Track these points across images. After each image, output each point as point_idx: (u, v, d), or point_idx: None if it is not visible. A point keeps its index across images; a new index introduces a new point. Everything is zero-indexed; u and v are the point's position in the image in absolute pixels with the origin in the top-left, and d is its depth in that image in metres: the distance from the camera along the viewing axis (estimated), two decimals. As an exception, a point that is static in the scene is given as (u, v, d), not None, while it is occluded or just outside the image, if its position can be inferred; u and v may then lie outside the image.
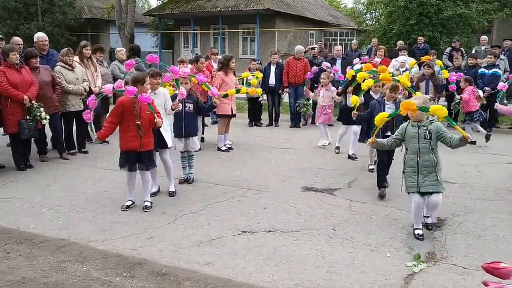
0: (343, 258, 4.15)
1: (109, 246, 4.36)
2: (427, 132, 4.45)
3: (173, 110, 5.77)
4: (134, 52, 10.28)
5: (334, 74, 9.26)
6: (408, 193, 4.61)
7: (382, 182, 5.76)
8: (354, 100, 6.02)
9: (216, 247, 4.36)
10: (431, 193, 4.49)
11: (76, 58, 8.25)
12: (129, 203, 5.42)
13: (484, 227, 4.85)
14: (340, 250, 4.31)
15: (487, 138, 8.73)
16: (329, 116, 8.71)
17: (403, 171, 4.65)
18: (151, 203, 5.42)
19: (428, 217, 4.79)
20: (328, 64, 10.57)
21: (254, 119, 11.21)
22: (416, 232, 4.58)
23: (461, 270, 3.93)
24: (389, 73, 6.70)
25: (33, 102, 6.77)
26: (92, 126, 5.81)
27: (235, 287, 3.62)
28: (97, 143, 8.63)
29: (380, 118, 4.53)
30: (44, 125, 7.01)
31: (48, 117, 6.93)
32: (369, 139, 4.80)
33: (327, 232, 4.72)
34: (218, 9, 23.43)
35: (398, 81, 6.01)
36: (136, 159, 5.29)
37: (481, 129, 8.93)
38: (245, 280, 3.75)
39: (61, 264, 3.99)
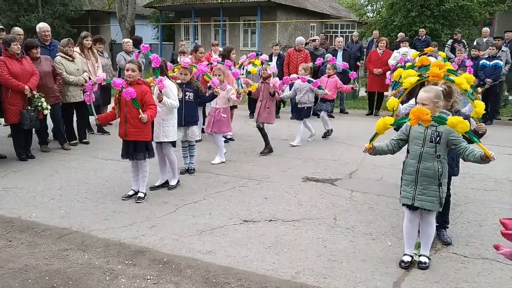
0: (344, 247, 4.17)
1: (110, 235, 4.38)
2: (435, 134, 3.62)
3: (160, 101, 5.41)
4: (136, 43, 10.28)
5: (336, 64, 9.27)
6: (402, 204, 3.88)
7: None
8: (391, 103, 4.20)
9: (218, 236, 4.37)
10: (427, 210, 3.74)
11: (76, 49, 8.25)
12: (131, 192, 5.43)
13: (484, 216, 4.86)
14: (342, 239, 4.32)
15: (326, 134, 8.76)
16: (224, 122, 6.96)
17: (401, 178, 3.92)
18: (145, 194, 5.39)
19: (422, 255, 3.86)
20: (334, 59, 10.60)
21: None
22: (402, 258, 3.86)
23: (462, 259, 3.94)
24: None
25: (34, 92, 6.77)
26: (93, 108, 5.78)
27: (236, 275, 3.64)
28: (97, 132, 8.65)
29: (383, 124, 3.61)
30: (46, 115, 7.01)
31: (49, 107, 6.93)
32: (365, 145, 3.84)
33: (328, 222, 4.73)
34: (219, 1, 23.31)
35: (453, 81, 4.04)
36: (125, 147, 5.28)
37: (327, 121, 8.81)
38: (246, 268, 3.76)
39: (63, 252, 4.01)
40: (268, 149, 7.59)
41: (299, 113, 8.41)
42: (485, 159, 3.42)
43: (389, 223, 4.70)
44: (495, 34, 14.88)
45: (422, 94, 3.65)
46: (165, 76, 5.61)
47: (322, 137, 8.76)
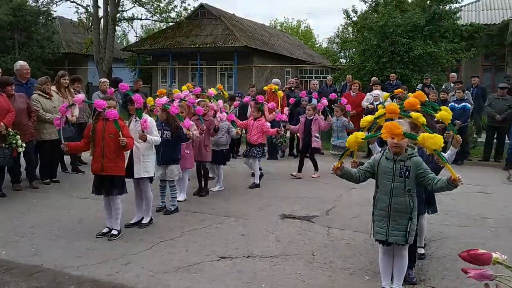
0: (322, 282, 4.15)
1: (84, 272, 4.26)
2: (404, 169, 3.65)
3: (144, 141, 5.48)
4: (115, 84, 10.33)
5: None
6: (375, 240, 3.89)
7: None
8: (352, 141, 3.76)
9: (195, 272, 4.30)
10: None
11: (53, 87, 8.26)
12: (105, 230, 5.32)
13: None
14: (320, 274, 4.31)
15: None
16: (187, 158, 6.83)
17: (373, 213, 3.90)
18: (119, 231, 5.29)
19: None
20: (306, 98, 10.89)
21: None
22: None
23: (439, 292, 3.97)
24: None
25: (9, 129, 6.68)
26: (61, 133, 5.62)
27: (214, 310, 3.56)
28: (71, 172, 8.51)
29: (354, 139, 3.67)
30: (20, 153, 6.89)
31: (24, 144, 6.83)
32: (334, 164, 3.85)
33: (306, 257, 4.71)
34: (197, 46, 23.80)
35: (409, 117, 4.05)
36: (100, 182, 5.22)
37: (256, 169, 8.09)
38: (224, 304, 3.70)
39: (33, 290, 3.87)
40: (205, 192, 7.32)
41: (216, 157, 7.48)
42: (452, 182, 3.44)
43: (366, 258, 4.71)
44: (463, 79, 15.51)
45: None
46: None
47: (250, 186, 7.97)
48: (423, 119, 4.14)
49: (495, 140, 10.81)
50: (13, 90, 7.16)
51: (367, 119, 4.23)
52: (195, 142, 7.04)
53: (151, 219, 5.77)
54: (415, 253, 4.33)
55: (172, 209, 6.30)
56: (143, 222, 5.71)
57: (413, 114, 4.13)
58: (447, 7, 17.73)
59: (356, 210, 6.50)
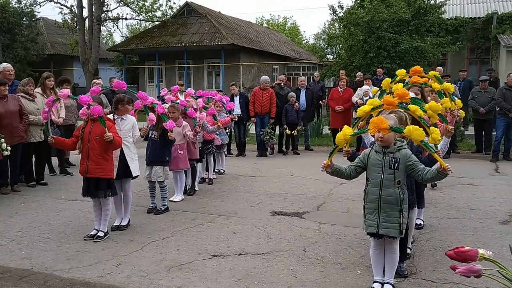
0: (314, 277, 4.16)
1: (75, 274, 4.21)
2: (393, 160, 3.69)
3: (142, 137, 5.61)
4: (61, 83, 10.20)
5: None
6: (367, 233, 3.88)
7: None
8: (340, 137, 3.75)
9: (187, 272, 4.28)
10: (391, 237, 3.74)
11: (38, 89, 8.17)
12: (93, 232, 5.26)
13: (449, 243, 4.97)
14: (312, 270, 4.31)
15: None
16: (181, 159, 6.69)
17: (364, 206, 3.92)
18: (105, 233, 5.22)
19: (387, 283, 3.85)
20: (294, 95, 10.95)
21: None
22: (372, 285, 3.85)
23: (430, 284, 3.99)
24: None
25: (-6, 133, 6.60)
26: (49, 127, 5.57)
27: (207, 309, 3.55)
28: (59, 174, 8.43)
29: (343, 136, 3.65)
30: (7, 156, 6.78)
31: (9, 148, 6.73)
32: (324, 161, 3.84)
33: (297, 253, 4.72)
34: (183, 45, 23.68)
35: (407, 109, 3.91)
36: (87, 184, 5.16)
37: None
38: (217, 302, 3.68)
39: (24, 294, 3.83)
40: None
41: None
42: (442, 172, 3.46)
43: (357, 253, 4.73)
44: (448, 73, 15.65)
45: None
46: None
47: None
48: (420, 112, 4.12)
49: (483, 132, 10.96)
50: (6, 90, 7.07)
51: (364, 109, 4.17)
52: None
53: (129, 221, 5.67)
54: (406, 247, 4.34)
55: (163, 208, 6.25)
56: (122, 224, 5.60)
57: (411, 106, 4.09)
58: (432, 1, 17.88)
59: (346, 205, 6.54)
